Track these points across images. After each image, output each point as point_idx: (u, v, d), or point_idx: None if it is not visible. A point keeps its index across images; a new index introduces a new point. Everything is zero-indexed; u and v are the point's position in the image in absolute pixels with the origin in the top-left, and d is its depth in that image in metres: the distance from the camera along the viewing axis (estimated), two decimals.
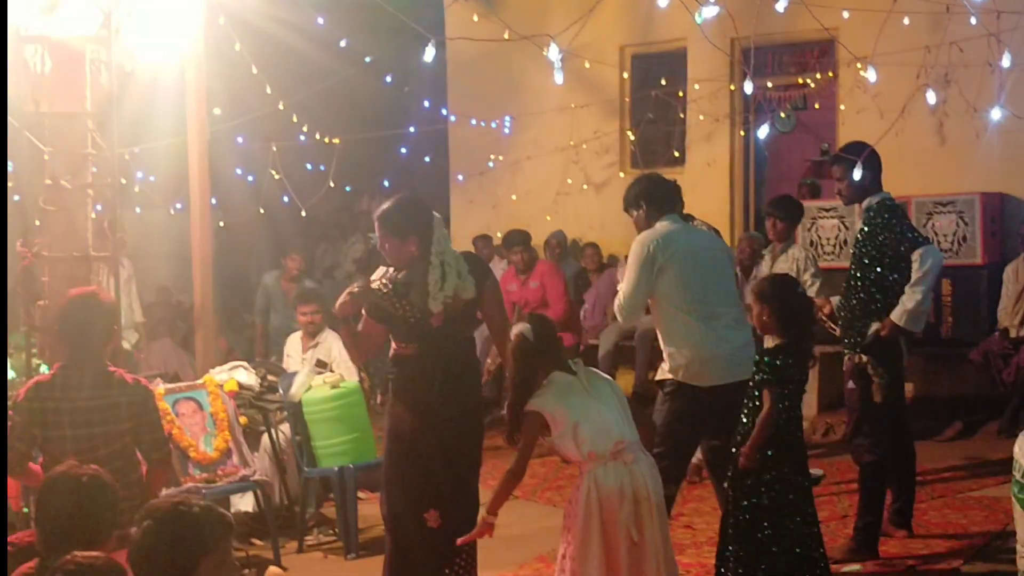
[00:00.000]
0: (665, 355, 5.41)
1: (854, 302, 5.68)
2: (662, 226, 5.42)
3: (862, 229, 5.75)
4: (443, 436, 4.72)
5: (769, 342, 4.91)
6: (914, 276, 5.51)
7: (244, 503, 6.89)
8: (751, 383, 4.74)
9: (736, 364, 5.22)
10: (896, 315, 5.50)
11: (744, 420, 4.74)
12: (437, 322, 4.70)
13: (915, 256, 5.52)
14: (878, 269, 5.62)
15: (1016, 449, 4.14)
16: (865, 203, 5.77)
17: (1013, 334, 8.41)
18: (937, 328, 9.04)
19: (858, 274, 5.70)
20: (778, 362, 4.63)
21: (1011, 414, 8.18)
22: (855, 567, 5.51)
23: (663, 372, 5.47)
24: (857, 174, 5.93)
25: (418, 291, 4.69)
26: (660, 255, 5.29)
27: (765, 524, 4.61)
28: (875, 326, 5.58)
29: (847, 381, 5.74)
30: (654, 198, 5.51)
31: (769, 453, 4.62)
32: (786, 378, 4.65)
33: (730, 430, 4.95)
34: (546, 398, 4.31)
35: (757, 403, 4.67)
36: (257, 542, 6.66)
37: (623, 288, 5.38)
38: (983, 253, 8.96)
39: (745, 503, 4.65)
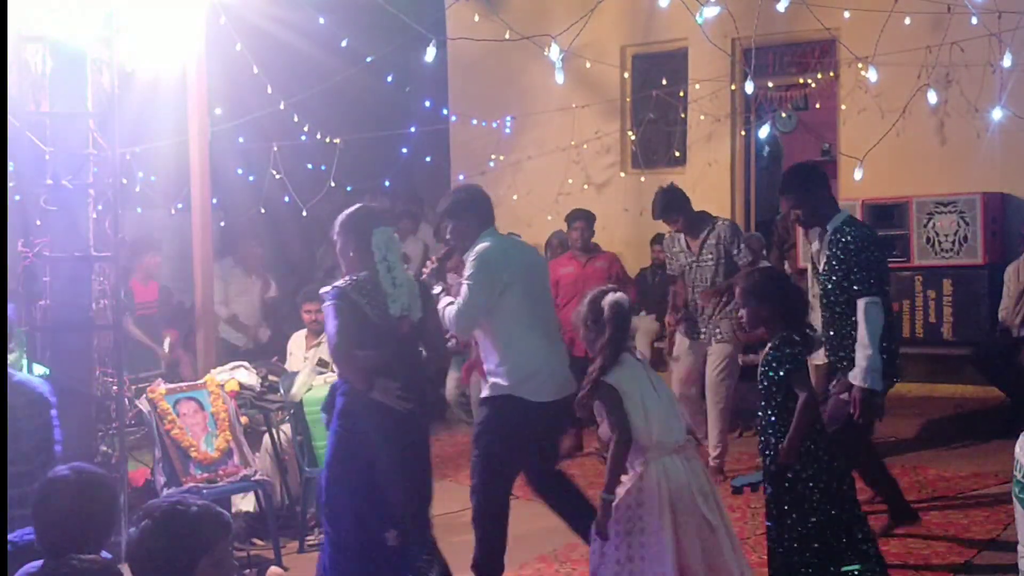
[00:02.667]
0: (499, 370, 5.24)
1: (849, 327, 5.50)
2: (496, 242, 5.35)
3: (839, 247, 5.50)
4: (404, 451, 4.81)
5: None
6: (859, 333, 5.38)
7: (245, 503, 6.89)
8: (765, 381, 4.67)
9: (567, 379, 5.28)
10: (857, 377, 5.38)
11: (769, 422, 4.66)
12: (405, 328, 4.81)
13: (859, 304, 5.39)
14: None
15: (1017, 449, 4.13)
16: (832, 224, 5.56)
17: (1014, 334, 8.40)
18: (938, 328, 9.04)
19: (843, 297, 5.51)
20: (794, 350, 4.61)
21: (1011, 414, 8.16)
22: (855, 566, 5.50)
23: (487, 390, 5.30)
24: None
25: (379, 293, 4.82)
26: (505, 272, 5.24)
27: (813, 519, 4.59)
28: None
29: (840, 394, 5.56)
30: (480, 210, 5.44)
31: (810, 446, 4.59)
32: (805, 365, 4.65)
33: (549, 452, 5.32)
34: (623, 375, 4.41)
35: (778, 399, 4.61)
36: (258, 542, 6.67)
37: (463, 302, 5.19)
38: (984, 253, 8.96)
39: (789, 498, 4.60)
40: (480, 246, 5.29)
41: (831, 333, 5.58)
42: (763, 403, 4.70)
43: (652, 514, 4.31)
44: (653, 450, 4.36)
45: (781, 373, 4.61)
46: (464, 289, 5.22)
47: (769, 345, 4.71)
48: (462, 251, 5.36)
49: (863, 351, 5.36)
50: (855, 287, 5.41)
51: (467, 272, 5.25)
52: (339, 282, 4.89)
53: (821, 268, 5.62)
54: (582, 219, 8.86)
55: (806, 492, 4.59)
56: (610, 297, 4.51)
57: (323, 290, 4.92)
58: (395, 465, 4.80)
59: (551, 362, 5.27)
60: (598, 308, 4.51)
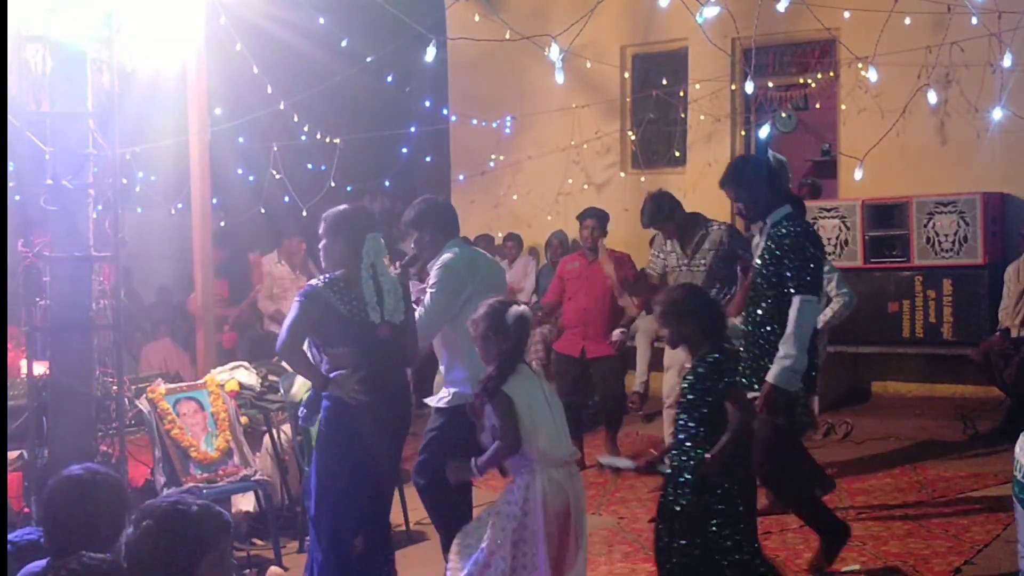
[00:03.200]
0: (460, 380, 5.22)
1: (770, 325, 5.21)
2: (461, 252, 5.39)
3: (775, 241, 5.22)
4: (378, 455, 4.81)
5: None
6: (787, 329, 5.08)
7: (245, 503, 6.89)
8: (691, 395, 4.54)
9: None
10: (772, 373, 5.08)
11: (689, 434, 4.53)
12: (384, 333, 4.82)
13: (794, 301, 5.09)
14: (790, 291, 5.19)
15: (1017, 449, 4.15)
16: (772, 218, 5.29)
17: (1014, 334, 8.40)
18: (938, 328, 9.05)
19: (770, 293, 5.24)
20: (729, 364, 4.54)
21: (1011, 414, 8.17)
22: (855, 566, 5.51)
23: (445, 399, 5.26)
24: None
25: (358, 295, 4.82)
26: (470, 281, 5.27)
27: (737, 533, 4.49)
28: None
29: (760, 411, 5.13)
30: (443, 221, 5.47)
31: (735, 460, 4.49)
32: (739, 380, 4.58)
33: None
34: (519, 385, 4.38)
35: (703, 411, 4.49)
36: (258, 542, 6.67)
37: (426, 310, 5.22)
38: (984, 253, 8.96)
39: (719, 510, 4.48)
40: (445, 256, 5.34)
41: (748, 329, 5.34)
42: (683, 414, 4.58)
43: (537, 523, 4.30)
44: (539, 462, 4.34)
45: (708, 385, 4.49)
46: (427, 298, 5.25)
47: (694, 360, 4.60)
48: (426, 261, 5.40)
49: (785, 348, 5.06)
50: (790, 284, 5.13)
51: (431, 280, 5.29)
52: (314, 280, 4.92)
53: (755, 261, 5.40)
54: (592, 217, 8.42)
55: (732, 506, 4.49)
56: (515, 309, 4.46)
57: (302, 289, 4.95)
58: (372, 470, 4.82)
59: None
60: (501, 319, 4.44)
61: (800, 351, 5.07)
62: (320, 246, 5.05)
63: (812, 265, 5.17)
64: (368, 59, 8.79)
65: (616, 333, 8.18)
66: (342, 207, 5.09)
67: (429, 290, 5.28)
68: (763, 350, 5.22)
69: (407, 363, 5.13)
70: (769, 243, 5.28)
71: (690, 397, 4.57)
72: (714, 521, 4.48)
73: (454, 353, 5.31)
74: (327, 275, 4.92)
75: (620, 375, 8.48)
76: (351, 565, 4.81)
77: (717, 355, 4.55)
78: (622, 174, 11.51)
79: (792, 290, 5.13)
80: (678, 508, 4.53)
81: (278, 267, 9.61)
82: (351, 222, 4.98)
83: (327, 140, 10.33)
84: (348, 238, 4.93)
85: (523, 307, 4.52)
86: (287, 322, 4.82)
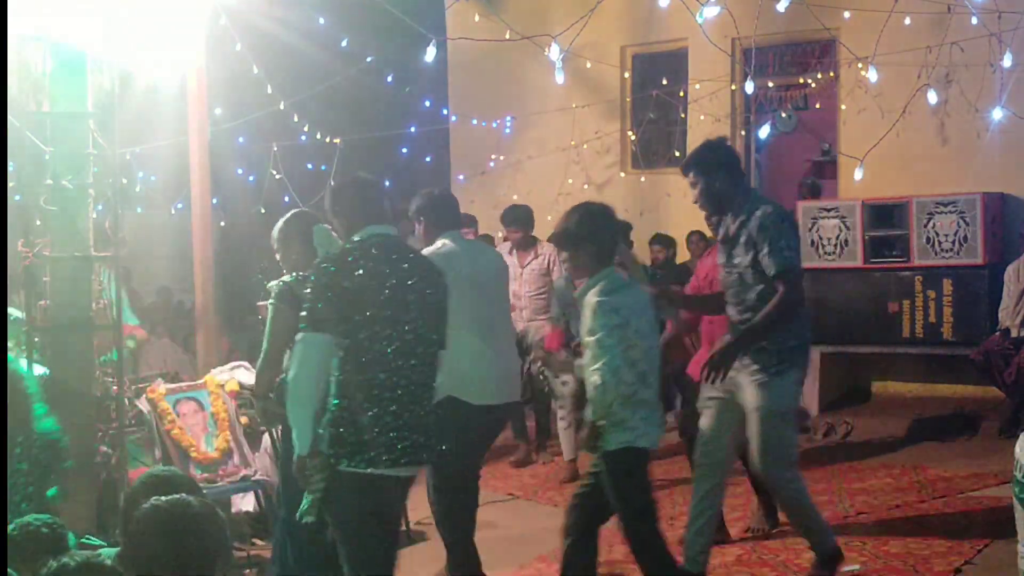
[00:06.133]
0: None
1: None
2: (443, 244, 5.34)
3: None
4: None
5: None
6: None
7: (245, 503, 6.89)
8: None
9: (510, 385, 5.24)
10: None
11: None
12: None
13: None
14: None
15: (1017, 449, 4.13)
16: None
17: (1014, 334, 8.40)
18: (938, 328, 9.04)
19: None
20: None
21: (1011, 414, 8.18)
22: (855, 566, 5.50)
23: None
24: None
25: None
26: (447, 275, 5.11)
27: None
28: None
29: None
30: (441, 213, 5.46)
31: None
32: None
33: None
34: None
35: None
36: (258, 542, 6.66)
37: None
38: (984, 253, 8.95)
39: None
40: (429, 248, 5.31)
41: None
42: None
43: None
44: None
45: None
46: None
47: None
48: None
49: None
50: None
51: None
52: (286, 277, 4.93)
53: None
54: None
55: None
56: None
57: (269, 285, 4.96)
58: None
59: (490, 365, 5.18)
60: None
61: (289, 402, 3.98)
62: (280, 261, 5.13)
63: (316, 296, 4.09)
64: (368, 59, 8.81)
65: None
66: (283, 218, 5.22)
67: None
68: None
69: None
70: None
71: None
72: None
73: None
74: (299, 273, 4.93)
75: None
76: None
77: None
78: (622, 174, 11.51)
79: None
80: None
81: (509, 258, 9.49)
82: (295, 224, 5.16)
83: (327, 140, 10.34)
84: (298, 238, 5.06)
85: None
86: (268, 331, 4.84)
